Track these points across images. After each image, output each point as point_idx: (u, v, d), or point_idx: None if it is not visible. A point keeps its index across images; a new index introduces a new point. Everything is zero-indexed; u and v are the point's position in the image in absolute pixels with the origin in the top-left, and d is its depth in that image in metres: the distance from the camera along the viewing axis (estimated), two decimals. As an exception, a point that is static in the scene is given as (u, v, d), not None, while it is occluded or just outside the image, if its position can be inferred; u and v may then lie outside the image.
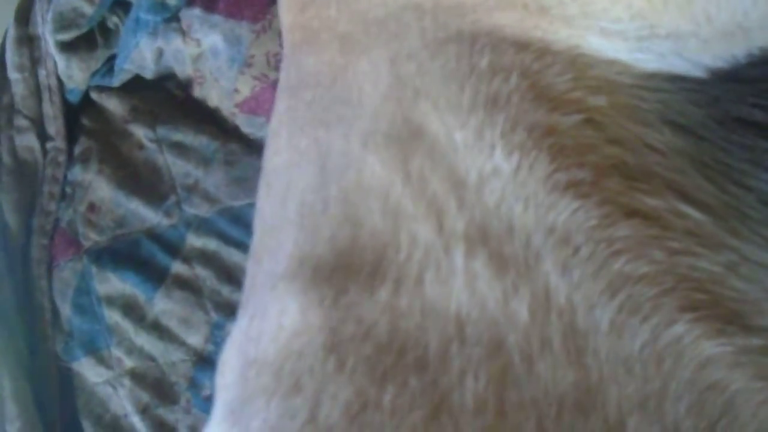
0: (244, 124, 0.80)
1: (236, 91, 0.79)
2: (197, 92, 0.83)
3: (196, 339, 0.78)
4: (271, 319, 0.49)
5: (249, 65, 0.79)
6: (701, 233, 0.40)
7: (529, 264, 0.40)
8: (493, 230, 0.41)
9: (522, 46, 0.45)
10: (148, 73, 0.85)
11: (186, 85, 0.84)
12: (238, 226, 0.78)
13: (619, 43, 0.43)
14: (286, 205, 0.54)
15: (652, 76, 0.44)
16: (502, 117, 0.43)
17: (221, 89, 0.81)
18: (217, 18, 0.79)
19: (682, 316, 0.38)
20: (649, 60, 0.43)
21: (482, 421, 0.37)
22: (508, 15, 0.45)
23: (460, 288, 0.41)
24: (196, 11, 0.81)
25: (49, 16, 0.85)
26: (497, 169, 0.42)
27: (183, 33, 0.81)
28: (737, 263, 0.40)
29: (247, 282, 0.59)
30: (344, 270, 0.46)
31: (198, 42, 0.81)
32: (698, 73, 0.44)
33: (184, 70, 0.83)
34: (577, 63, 0.44)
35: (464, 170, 0.43)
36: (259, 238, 0.58)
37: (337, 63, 0.53)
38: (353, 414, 0.40)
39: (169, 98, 0.85)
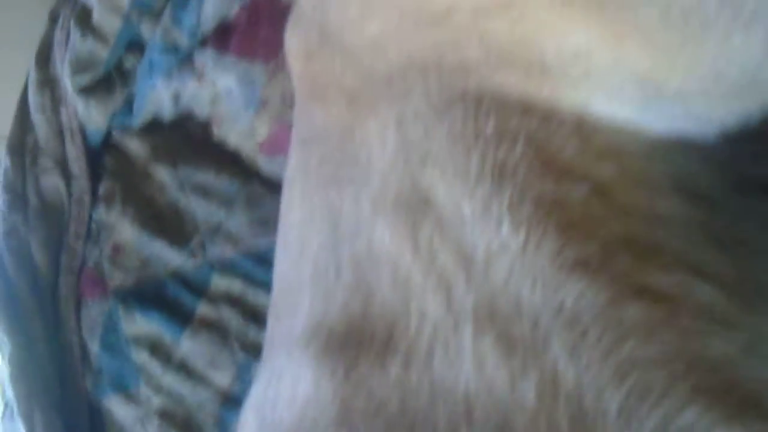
0: (265, 165, 0.80)
1: (254, 132, 0.80)
2: (216, 133, 0.84)
3: (222, 379, 0.79)
4: (287, 385, 0.50)
5: (264, 106, 0.79)
6: (714, 312, 0.38)
7: (537, 346, 0.39)
8: (501, 309, 0.40)
9: (527, 109, 0.43)
10: (167, 115, 0.86)
11: (205, 126, 0.85)
12: (262, 266, 0.79)
13: (626, 105, 0.42)
14: (301, 265, 0.55)
15: (662, 139, 0.42)
16: (509, 188, 0.42)
17: (239, 130, 0.82)
18: (229, 59, 0.80)
19: (694, 401, 0.36)
20: (657, 122, 0.42)
21: None
22: (511, 75, 0.44)
23: (469, 368, 0.40)
24: (209, 52, 0.82)
25: (66, 60, 0.87)
26: (505, 244, 0.41)
27: (198, 75, 0.82)
28: (754, 342, 0.38)
29: (267, 337, 0.60)
30: (356, 341, 0.46)
31: (213, 83, 0.81)
32: (710, 133, 0.42)
33: (202, 111, 0.84)
34: (584, 128, 0.42)
35: (472, 244, 0.42)
36: (277, 294, 0.59)
37: (345, 120, 0.52)
38: None
39: (189, 139, 0.85)
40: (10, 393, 0.84)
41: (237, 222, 0.81)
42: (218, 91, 0.81)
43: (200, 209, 0.82)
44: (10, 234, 0.88)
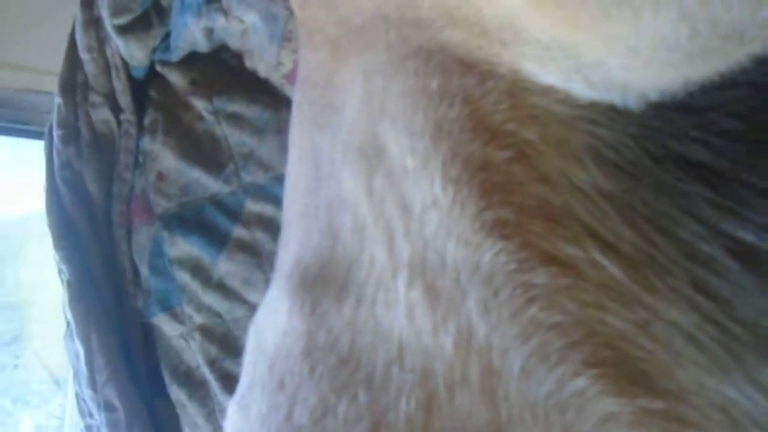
0: (293, 94, 0.83)
1: (280, 63, 0.83)
2: (248, 64, 0.87)
3: (256, 297, 0.84)
4: (271, 314, 0.54)
5: (288, 39, 0.81)
6: (615, 287, 0.39)
7: (457, 299, 0.41)
8: (430, 262, 0.43)
9: (468, 67, 0.45)
10: (203, 48, 0.90)
11: (239, 56, 0.88)
12: (291, 190, 0.83)
13: (554, 71, 0.42)
14: (294, 201, 0.59)
15: (588, 106, 0.42)
16: (444, 146, 0.44)
17: (267, 62, 0.85)
18: (251, -3, 0.83)
19: (586, 371, 0.37)
20: (582, 89, 0.42)
21: None
22: (457, 33, 0.45)
23: (402, 315, 0.43)
24: (234, -9, 0.85)
25: (105, 2, 0.91)
26: (436, 201, 0.43)
27: (225, 12, 0.85)
28: (649, 321, 0.38)
29: (276, 263, 0.64)
30: (323, 280, 0.50)
31: (240, 19, 0.84)
32: (633, 104, 0.41)
33: (234, 43, 0.88)
34: (516, 89, 0.44)
35: (412, 197, 0.45)
36: (283, 225, 0.63)
37: (328, 67, 0.55)
38: (317, 418, 0.44)
39: (225, 69, 0.89)
40: (69, 316, 0.91)
41: (268, 149, 0.84)
42: (246, 26, 0.84)
43: (234, 137, 0.86)
44: (65, 167, 0.94)
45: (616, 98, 0.42)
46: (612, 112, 0.42)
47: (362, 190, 0.48)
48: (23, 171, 1.30)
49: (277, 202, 0.83)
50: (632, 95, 0.41)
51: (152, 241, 0.90)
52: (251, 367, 0.53)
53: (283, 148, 0.83)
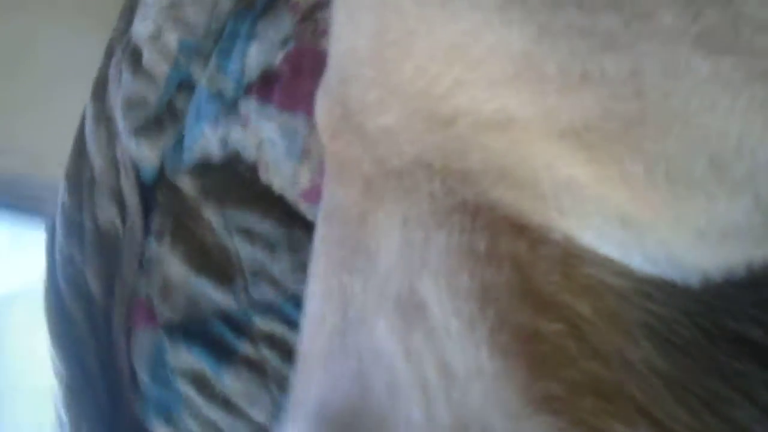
0: (308, 212, 0.83)
1: (296, 180, 0.82)
2: (263, 177, 0.86)
3: (261, 415, 0.83)
4: None
5: (306, 156, 0.81)
6: None
7: None
8: None
9: (519, 230, 0.44)
10: (216, 157, 0.89)
11: (253, 168, 0.87)
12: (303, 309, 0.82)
13: (613, 244, 0.42)
14: (317, 339, 0.57)
15: (644, 280, 0.42)
16: (492, 312, 0.43)
17: (283, 176, 0.84)
18: (272, 110, 0.82)
19: None
20: (641, 264, 0.42)
21: None
22: (509, 193, 0.45)
23: None
24: (253, 101, 0.84)
25: (119, 99, 0.90)
26: (481, 368, 0.42)
27: (243, 122, 0.85)
28: None
29: (292, 395, 0.63)
30: (353, 428, 0.49)
31: (257, 131, 0.84)
32: (693, 280, 0.42)
33: (249, 155, 0.87)
34: (570, 258, 0.43)
35: (454, 362, 0.44)
36: (303, 359, 0.62)
37: (360, 206, 0.54)
38: None
39: (238, 180, 0.88)
40: (63, 414, 0.89)
41: (280, 267, 0.83)
42: (263, 138, 0.84)
43: (245, 252, 0.85)
44: (66, 263, 0.92)
45: (676, 275, 0.42)
46: (669, 287, 0.42)
47: (398, 345, 0.47)
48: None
49: (287, 322, 0.82)
50: (694, 274, 0.41)
51: (154, 349, 0.88)
52: None
53: (296, 268, 0.83)
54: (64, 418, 0.89)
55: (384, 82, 0.50)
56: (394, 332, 0.48)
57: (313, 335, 0.60)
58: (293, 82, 0.80)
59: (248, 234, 0.85)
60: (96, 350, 0.91)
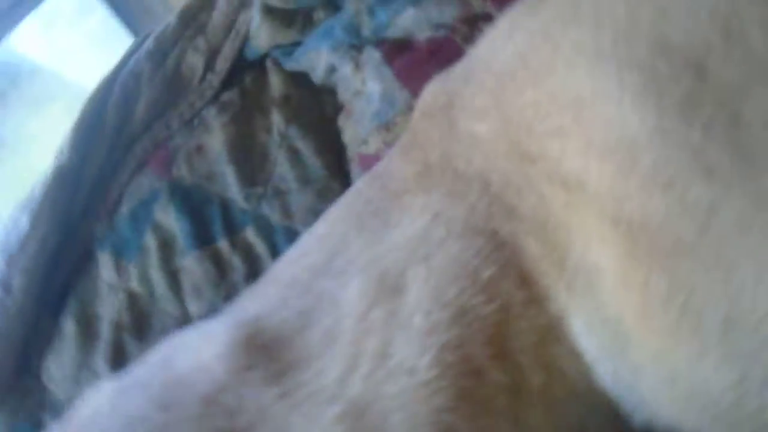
0: (354, 174, 0.83)
1: (365, 142, 0.83)
2: (341, 122, 0.87)
3: (192, 308, 0.82)
4: (200, 341, 0.56)
5: (387, 129, 0.81)
6: None
7: None
8: (370, 415, 0.44)
9: (524, 282, 0.46)
10: (315, 79, 0.90)
11: (338, 108, 0.89)
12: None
13: (595, 343, 0.44)
14: (292, 267, 0.60)
15: (596, 393, 0.44)
16: (457, 332, 0.45)
17: (356, 132, 0.85)
18: (388, 73, 0.83)
19: None
20: (605, 376, 0.44)
21: None
22: (537, 247, 0.46)
23: None
24: (376, 56, 0.85)
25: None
26: (414, 371, 0.45)
27: (357, 65, 0.86)
28: None
29: (235, 302, 0.65)
30: (269, 353, 0.50)
31: (363, 81, 0.85)
32: (638, 420, 0.44)
33: (343, 95, 0.88)
34: (550, 332, 0.45)
35: (397, 350, 0.46)
36: (265, 277, 0.64)
37: (407, 184, 0.56)
38: None
39: (318, 109, 0.89)
40: (38, 192, 0.88)
41: (300, 201, 0.84)
42: (364, 90, 0.85)
43: (281, 168, 0.86)
44: (133, 75, 0.93)
45: (627, 406, 0.44)
46: (611, 415, 0.44)
47: (359, 307, 0.49)
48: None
49: (272, 248, 0.83)
50: (643, 414, 0.43)
51: (150, 193, 0.89)
52: (147, 369, 0.54)
53: (312, 211, 0.83)
54: (37, 193, 0.89)
55: (498, 96, 0.51)
56: (363, 295, 0.49)
57: (290, 262, 0.61)
58: (422, 63, 0.81)
59: (295, 156, 0.86)
60: (101, 161, 0.92)
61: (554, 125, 0.46)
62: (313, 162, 0.85)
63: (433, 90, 0.63)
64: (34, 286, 0.86)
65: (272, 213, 0.84)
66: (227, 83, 0.95)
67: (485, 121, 0.52)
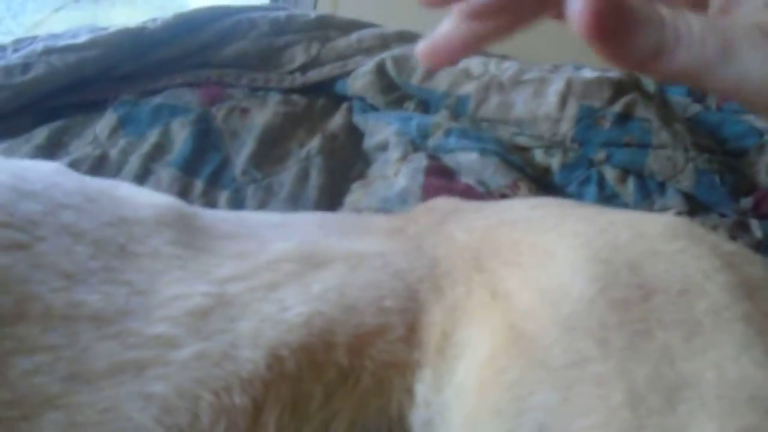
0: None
1: (362, 211, 0.89)
2: (356, 184, 0.95)
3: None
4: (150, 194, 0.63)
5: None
6: None
7: None
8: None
9: (411, 330, 0.51)
10: (365, 142, 1.01)
11: (362, 174, 0.98)
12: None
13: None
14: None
15: None
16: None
17: (360, 200, 0.91)
18: (419, 179, 0.91)
19: None
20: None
21: None
22: (435, 314, 0.52)
23: None
24: (423, 162, 0.93)
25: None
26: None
27: (403, 157, 0.95)
28: None
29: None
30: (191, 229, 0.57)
31: (397, 171, 0.94)
32: None
33: (375, 169, 0.97)
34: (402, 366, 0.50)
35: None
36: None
37: (378, 230, 0.63)
38: None
39: (348, 163, 0.99)
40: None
41: (278, 208, 0.89)
42: (392, 177, 0.93)
43: (286, 175, 0.93)
44: (249, 22, 1.04)
45: None
46: None
47: (272, 256, 0.55)
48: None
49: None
50: None
51: (183, 105, 0.96)
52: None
53: (291, 204, 0.89)
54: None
55: (492, 229, 0.58)
56: (283, 252, 0.55)
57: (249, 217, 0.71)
58: (449, 193, 0.87)
59: (304, 175, 0.93)
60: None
61: (518, 261, 0.53)
62: (313, 191, 0.92)
63: (446, 200, 0.71)
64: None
65: (252, 199, 0.90)
66: (307, 88, 1.05)
67: (469, 235, 0.59)
